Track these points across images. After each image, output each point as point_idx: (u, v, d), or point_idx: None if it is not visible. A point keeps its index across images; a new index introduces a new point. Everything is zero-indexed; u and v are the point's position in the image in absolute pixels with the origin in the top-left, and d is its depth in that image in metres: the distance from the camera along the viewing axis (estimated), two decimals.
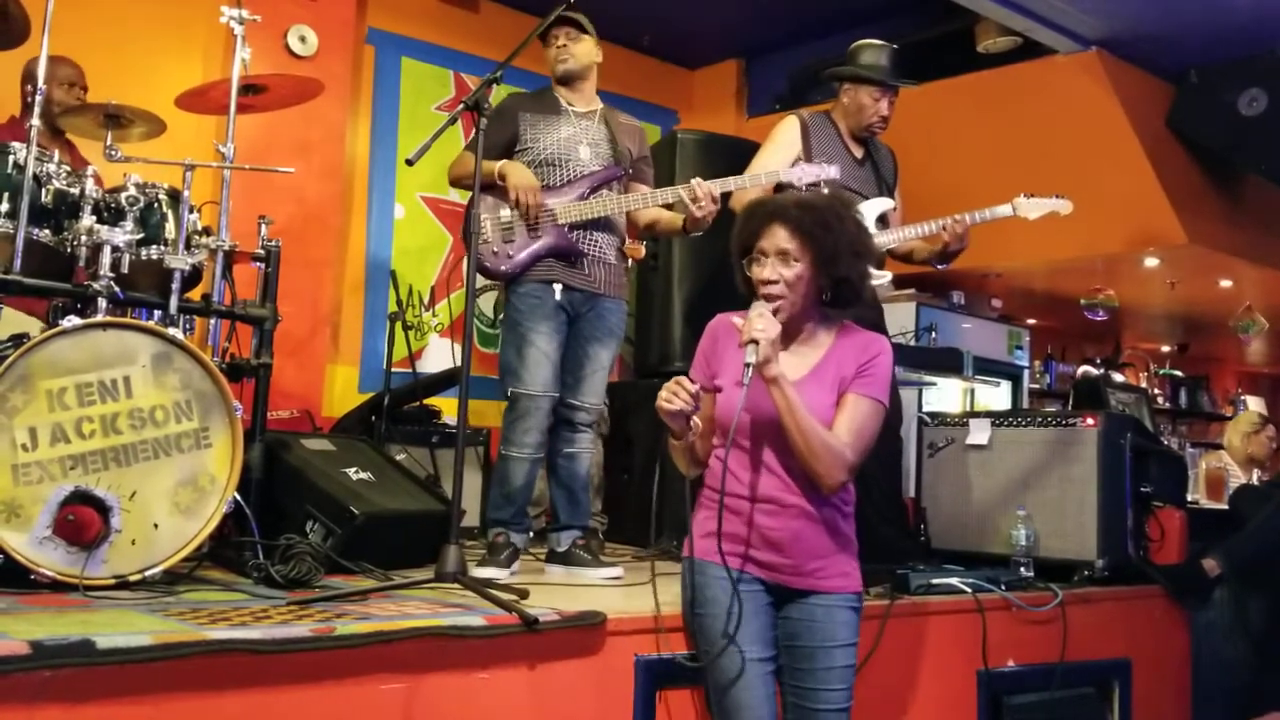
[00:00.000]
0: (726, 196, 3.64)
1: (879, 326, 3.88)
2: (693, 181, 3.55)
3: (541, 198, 3.59)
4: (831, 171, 3.62)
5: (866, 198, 3.91)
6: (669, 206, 3.77)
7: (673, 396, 2.38)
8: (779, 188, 3.85)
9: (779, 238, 2.49)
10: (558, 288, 3.61)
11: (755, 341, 2.36)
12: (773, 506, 2.51)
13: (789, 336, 2.55)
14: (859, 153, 4.01)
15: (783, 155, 3.87)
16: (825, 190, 3.78)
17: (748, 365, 2.35)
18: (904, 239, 3.95)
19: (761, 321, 2.39)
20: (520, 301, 3.62)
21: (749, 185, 3.70)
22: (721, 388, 2.57)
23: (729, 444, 2.45)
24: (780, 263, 2.48)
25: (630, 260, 4.98)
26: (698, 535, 2.58)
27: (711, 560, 2.53)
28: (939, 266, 4.03)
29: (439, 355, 5.77)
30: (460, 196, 5.31)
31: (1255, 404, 10.56)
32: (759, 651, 2.52)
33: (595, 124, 3.77)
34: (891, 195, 4.04)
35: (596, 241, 3.68)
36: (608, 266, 3.71)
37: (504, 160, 3.63)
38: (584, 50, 3.76)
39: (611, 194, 3.68)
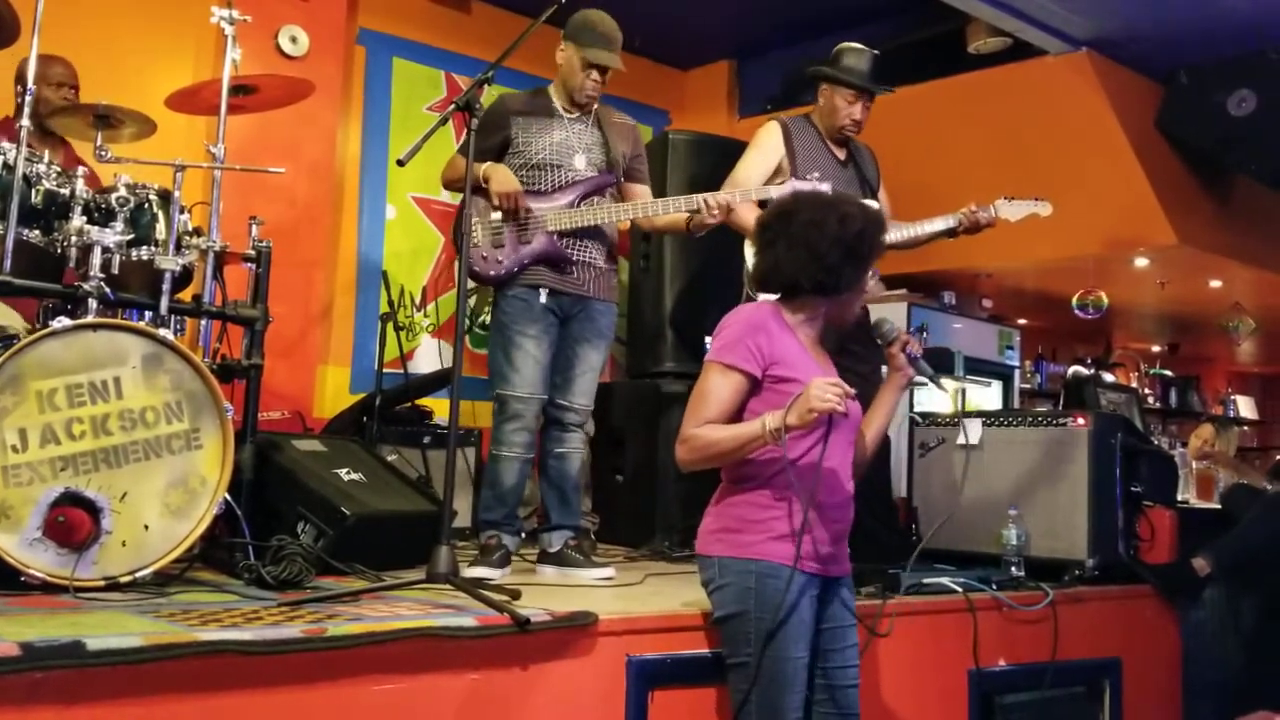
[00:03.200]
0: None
1: (863, 328, 3.89)
2: (706, 197, 3.57)
3: (525, 201, 3.58)
4: (823, 187, 3.62)
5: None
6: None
7: (832, 397, 2.38)
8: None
9: None
10: (544, 292, 3.61)
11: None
12: (843, 498, 2.62)
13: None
14: (841, 154, 4.03)
15: (766, 160, 3.89)
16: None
17: (918, 369, 2.72)
18: (915, 235, 3.99)
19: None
20: (508, 305, 3.62)
21: (754, 197, 3.72)
22: (792, 377, 2.53)
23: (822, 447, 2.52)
24: None
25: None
26: (767, 536, 2.53)
27: (782, 563, 2.51)
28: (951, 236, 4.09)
29: (430, 356, 5.77)
30: (452, 198, 5.31)
31: (1245, 404, 10.60)
32: (805, 652, 2.54)
33: (589, 127, 3.76)
34: (875, 195, 4.05)
35: (586, 248, 3.68)
36: (597, 270, 3.71)
37: (489, 163, 3.62)
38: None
39: (603, 201, 3.68)
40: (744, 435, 2.48)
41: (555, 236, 3.61)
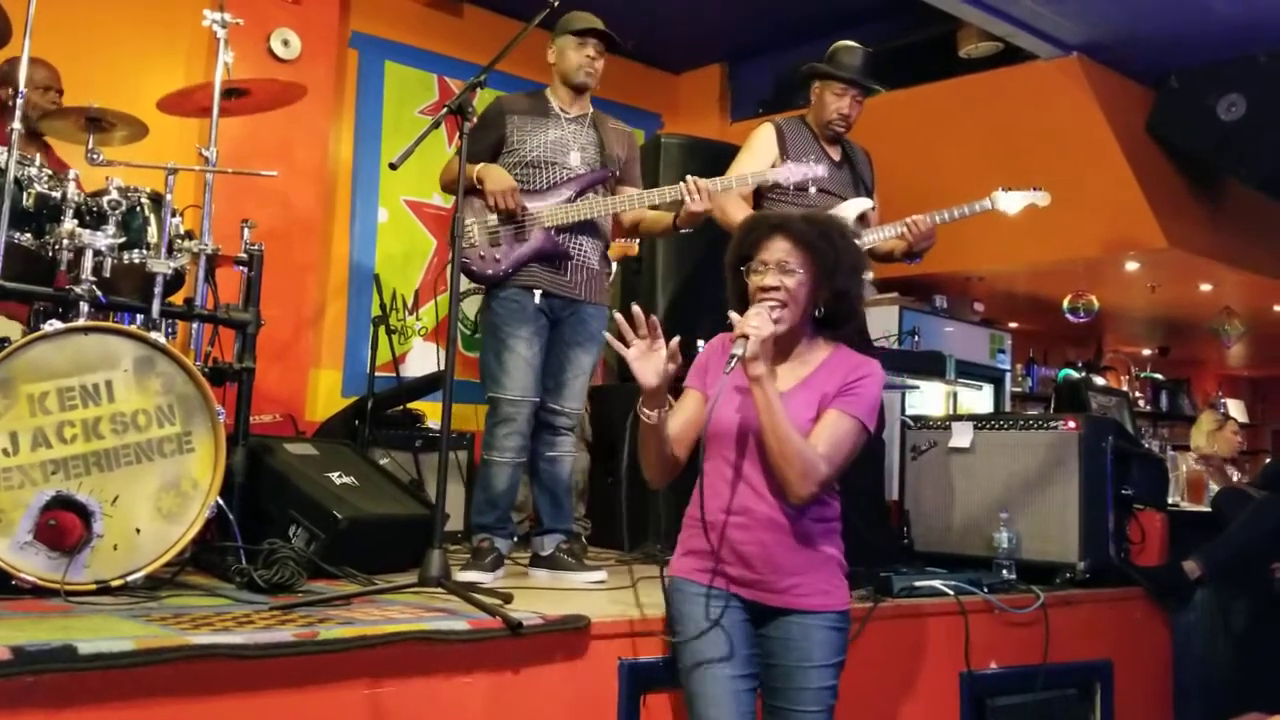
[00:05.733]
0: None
1: (863, 334, 3.90)
2: (687, 179, 3.56)
3: (519, 198, 3.59)
4: (819, 170, 3.63)
5: (845, 199, 3.93)
6: (655, 207, 3.78)
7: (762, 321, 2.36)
8: (761, 189, 3.87)
9: (780, 249, 2.47)
10: (537, 293, 3.61)
11: (745, 336, 2.35)
12: (744, 519, 2.47)
13: (782, 351, 2.52)
14: (836, 155, 4.03)
15: (760, 161, 3.89)
16: (813, 190, 3.81)
17: (733, 356, 2.32)
18: (882, 239, 3.97)
19: (757, 319, 2.37)
20: (500, 306, 3.62)
21: (735, 186, 3.72)
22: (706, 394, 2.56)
23: (704, 448, 2.47)
24: (781, 273, 2.46)
25: (615, 264, 5.01)
26: (677, 553, 2.59)
27: (688, 578, 2.53)
28: (909, 262, 4.04)
29: (422, 359, 5.76)
30: (445, 200, 5.32)
31: (1235, 407, 10.62)
32: (732, 669, 2.46)
33: (585, 128, 3.77)
34: (870, 196, 4.06)
35: (581, 246, 3.68)
36: (591, 272, 3.71)
37: (483, 164, 3.63)
38: (603, 67, 3.77)
39: (598, 197, 3.68)
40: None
41: (553, 232, 3.61)
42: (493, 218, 3.60)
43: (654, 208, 3.78)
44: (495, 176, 3.58)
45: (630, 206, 3.70)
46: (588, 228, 3.69)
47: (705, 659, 2.46)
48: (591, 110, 3.82)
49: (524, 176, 3.65)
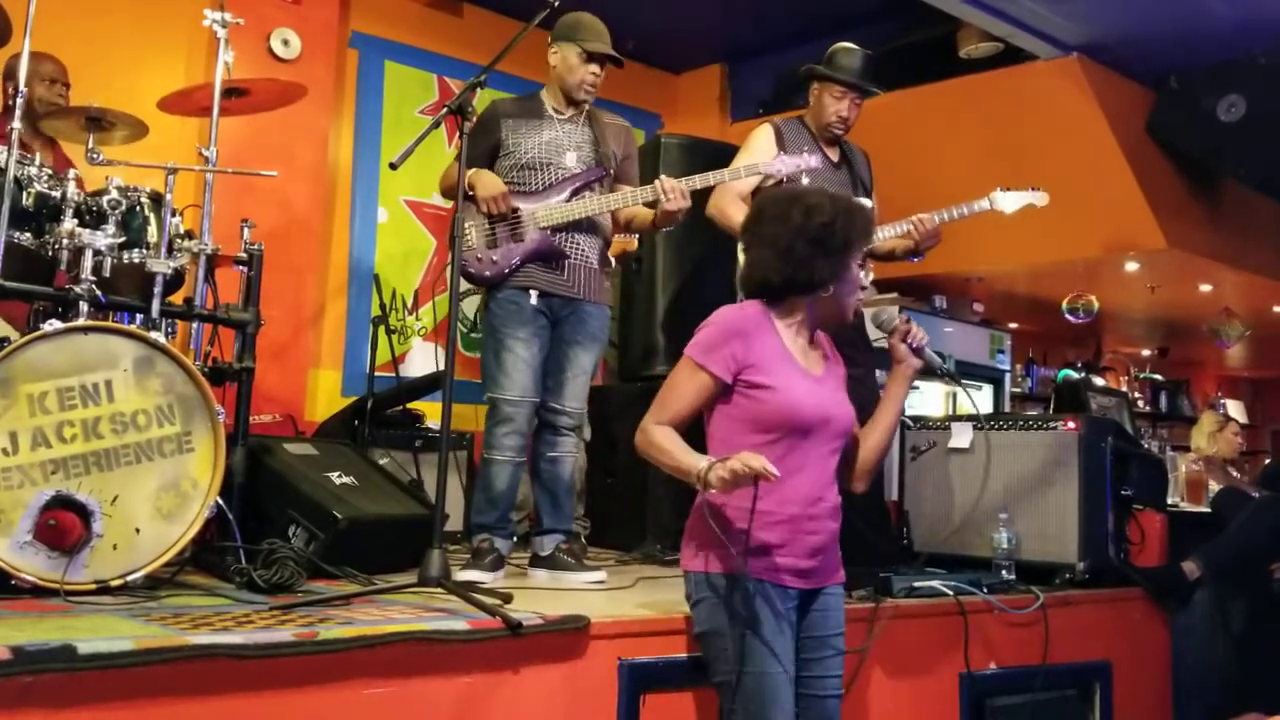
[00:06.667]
0: (699, 195, 3.66)
1: (860, 332, 3.90)
2: (658, 180, 3.56)
3: (510, 201, 3.58)
4: (812, 161, 3.62)
5: None
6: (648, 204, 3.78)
7: (740, 467, 2.29)
8: (761, 189, 3.86)
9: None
10: (534, 294, 3.61)
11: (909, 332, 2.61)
12: (818, 509, 2.53)
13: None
14: (834, 155, 4.03)
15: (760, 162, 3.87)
16: (806, 181, 3.80)
17: (924, 358, 2.69)
18: (883, 239, 3.97)
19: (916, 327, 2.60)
20: (498, 307, 3.62)
21: (729, 179, 3.71)
22: (766, 384, 2.50)
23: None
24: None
25: (616, 262, 5.00)
26: (746, 550, 2.45)
27: (774, 580, 2.50)
28: (913, 260, 4.05)
29: (422, 359, 5.76)
30: (445, 201, 5.31)
31: (1235, 408, 10.63)
32: (790, 667, 2.51)
33: (579, 126, 3.77)
34: (869, 197, 4.06)
35: (579, 245, 3.68)
36: (590, 271, 3.71)
37: (474, 169, 3.63)
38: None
39: (593, 195, 3.68)
40: (681, 465, 2.43)
41: (549, 232, 3.61)
42: (488, 221, 3.61)
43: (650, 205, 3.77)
44: (485, 182, 3.59)
45: (622, 204, 3.69)
46: (585, 226, 3.69)
47: (775, 668, 2.47)
48: (587, 107, 3.82)
49: (520, 179, 3.65)
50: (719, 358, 2.50)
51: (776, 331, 2.57)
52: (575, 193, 3.66)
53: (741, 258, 3.87)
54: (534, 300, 3.61)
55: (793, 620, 2.53)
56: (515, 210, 3.59)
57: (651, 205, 3.71)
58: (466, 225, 3.60)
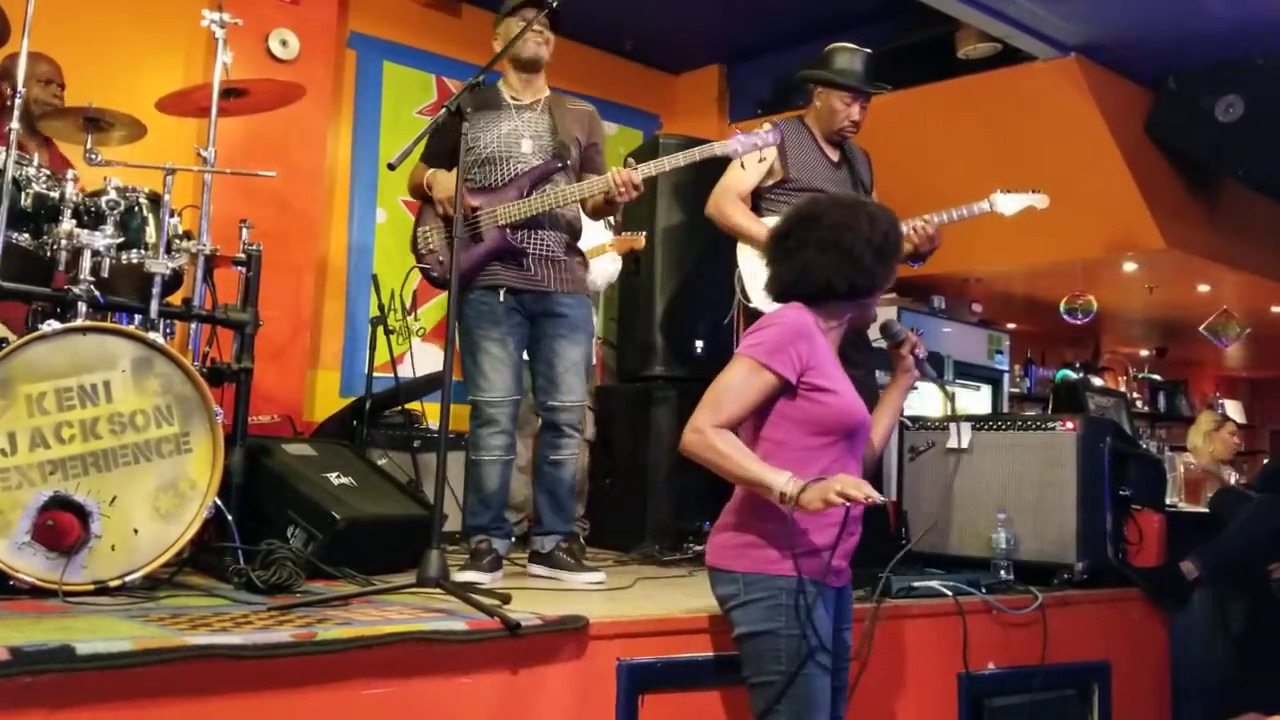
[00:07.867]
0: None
1: (860, 332, 3.90)
2: (611, 172, 3.50)
3: (468, 201, 3.54)
4: (770, 138, 3.51)
5: None
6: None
7: (858, 494, 2.33)
8: (761, 189, 3.85)
9: None
10: (503, 292, 3.59)
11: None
12: (860, 508, 2.51)
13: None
14: (835, 156, 4.03)
15: (757, 163, 3.87)
16: (764, 157, 3.76)
17: (924, 371, 2.80)
18: None
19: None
20: (470, 309, 3.60)
21: (684, 163, 3.60)
22: (827, 387, 2.52)
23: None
24: None
25: (620, 257, 4.99)
26: (797, 553, 2.46)
27: (813, 579, 2.49)
28: (913, 265, 4.05)
29: (421, 360, 5.75)
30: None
31: (1233, 408, 10.64)
32: (829, 668, 2.54)
33: (538, 114, 3.69)
34: (869, 197, 4.05)
35: (541, 239, 3.62)
36: (555, 263, 3.64)
37: (431, 171, 3.62)
38: (553, 40, 3.70)
39: (553, 189, 3.61)
40: (756, 477, 2.41)
41: (507, 231, 3.57)
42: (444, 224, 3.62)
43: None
44: (440, 184, 3.58)
45: (577, 197, 3.60)
46: (544, 220, 3.61)
47: (824, 671, 2.50)
48: (547, 94, 3.74)
49: (479, 174, 3.60)
50: (785, 358, 2.48)
51: (824, 334, 2.59)
52: (533, 186, 3.60)
53: (746, 260, 3.87)
54: (504, 299, 3.59)
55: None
56: (475, 209, 3.57)
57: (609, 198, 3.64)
58: (427, 228, 3.66)
